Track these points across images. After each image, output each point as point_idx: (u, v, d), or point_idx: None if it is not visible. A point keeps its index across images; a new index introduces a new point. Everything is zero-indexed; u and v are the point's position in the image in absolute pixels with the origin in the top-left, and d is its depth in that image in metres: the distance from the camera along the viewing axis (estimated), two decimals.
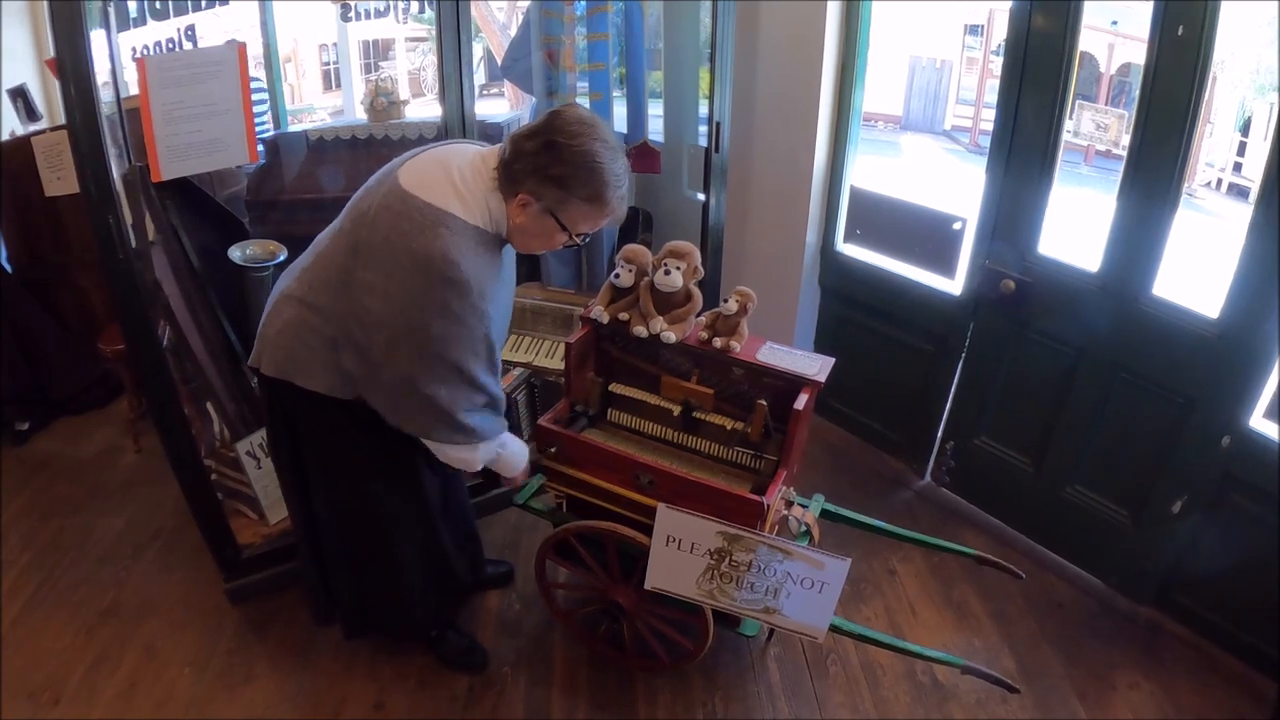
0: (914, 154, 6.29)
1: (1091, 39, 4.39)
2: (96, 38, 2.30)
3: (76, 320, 3.56)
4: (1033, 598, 2.55)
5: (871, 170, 3.09)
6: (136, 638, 2.43)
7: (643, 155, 3.03)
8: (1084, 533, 2.58)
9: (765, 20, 2.90)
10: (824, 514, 2.31)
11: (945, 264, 2.72)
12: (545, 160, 1.57)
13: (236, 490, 2.63)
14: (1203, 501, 2.25)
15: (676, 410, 2.12)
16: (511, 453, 1.97)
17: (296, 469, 1.96)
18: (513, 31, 3.12)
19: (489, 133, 3.01)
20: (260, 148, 2.93)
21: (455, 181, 1.63)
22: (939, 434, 2.96)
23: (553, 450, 2.05)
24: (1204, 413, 2.19)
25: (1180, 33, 1.97)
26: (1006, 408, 2.72)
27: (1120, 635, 2.43)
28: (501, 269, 1.75)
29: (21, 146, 3.15)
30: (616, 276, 2.09)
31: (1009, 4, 2.34)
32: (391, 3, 3.37)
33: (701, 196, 2.76)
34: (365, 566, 2.08)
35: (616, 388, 2.19)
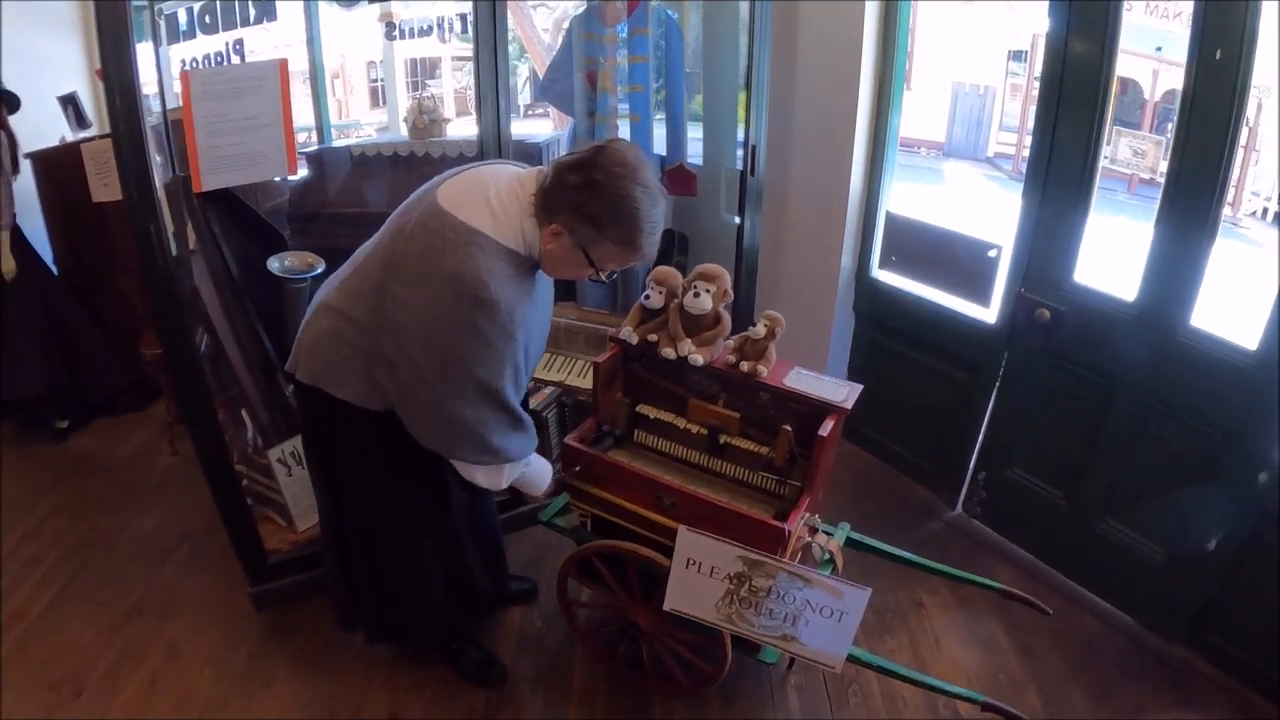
0: (956, 181, 6.26)
1: (1137, 66, 4.34)
2: (144, 49, 2.37)
3: (118, 324, 3.64)
4: (1061, 634, 2.49)
5: (912, 197, 3.07)
6: (160, 637, 2.47)
7: (679, 178, 3.05)
8: (1116, 568, 2.52)
9: (803, 45, 2.91)
10: (849, 542, 2.28)
11: (980, 292, 2.69)
12: (584, 197, 1.57)
13: (267, 496, 2.67)
14: (1239, 538, 2.18)
15: (702, 433, 2.11)
16: (535, 470, 1.98)
17: (328, 474, 1.98)
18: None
19: (529, 152, 3.04)
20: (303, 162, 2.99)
21: (491, 202, 1.65)
22: (971, 464, 2.92)
23: (578, 469, 2.05)
24: (1241, 447, 2.13)
25: (1218, 57, 1.94)
26: (1040, 439, 2.67)
27: (1150, 675, 2.36)
28: (535, 291, 1.76)
29: (70, 152, 3.24)
30: (647, 298, 2.09)
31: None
32: (436, 21, 3.40)
33: (738, 220, 2.76)
34: (389, 573, 2.09)
35: (644, 409, 2.18)
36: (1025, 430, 2.70)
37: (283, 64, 2.11)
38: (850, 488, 3.16)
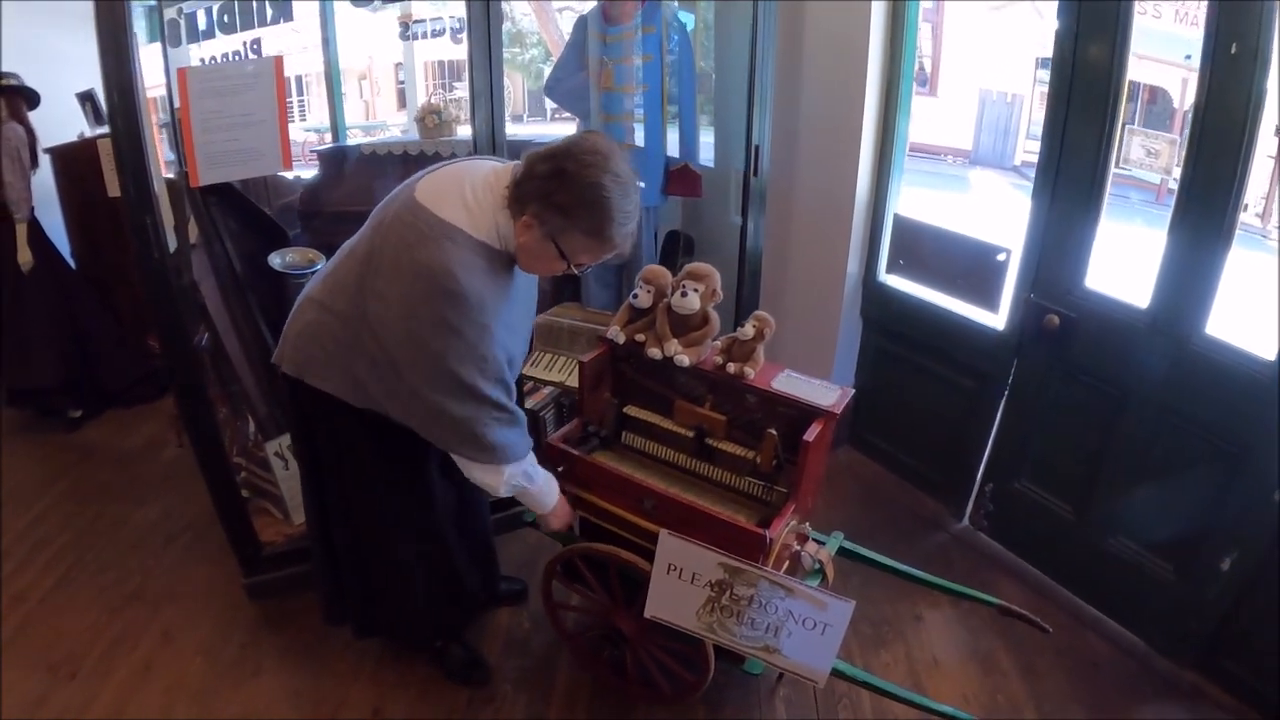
0: (982, 189, 6.15)
1: (1166, 74, 4.22)
2: (153, 50, 2.41)
3: (132, 317, 3.70)
4: (1066, 653, 2.41)
5: (936, 204, 2.99)
6: (156, 623, 2.51)
7: (683, 178, 3.01)
8: (1126, 587, 2.43)
9: (808, 45, 2.86)
10: (843, 552, 2.23)
11: (988, 297, 2.62)
12: (553, 186, 1.56)
13: (264, 489, 2.69)
14: (1254, 558, 2.09)
15: (690, 436, 2.08)
16: (539, 489, 1.93)
17: (313, 467, 1.99)
18: None
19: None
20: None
21: (467, 196, 1.64)
22: (979, 475, 2.84)
23: (560, 470, 2.03)
24: (1257, 462, 2.04)
25: (1233, 51, 1.86)
26: (1049, 450, 2.60)
27: (1157, 699, 2.27)
28: (512, 286, 1.75)
29: (88, 148, 3.31)
30: (635, 297, 2.07)
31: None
32: (451, 24, 3.42)
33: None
34: (373, 569, 2.09)
35: (631, 410, 2.16)
36: (1034, 441, 2.63)
37: (278, 61, 2.13)
38: (855, 497, 3.10)
